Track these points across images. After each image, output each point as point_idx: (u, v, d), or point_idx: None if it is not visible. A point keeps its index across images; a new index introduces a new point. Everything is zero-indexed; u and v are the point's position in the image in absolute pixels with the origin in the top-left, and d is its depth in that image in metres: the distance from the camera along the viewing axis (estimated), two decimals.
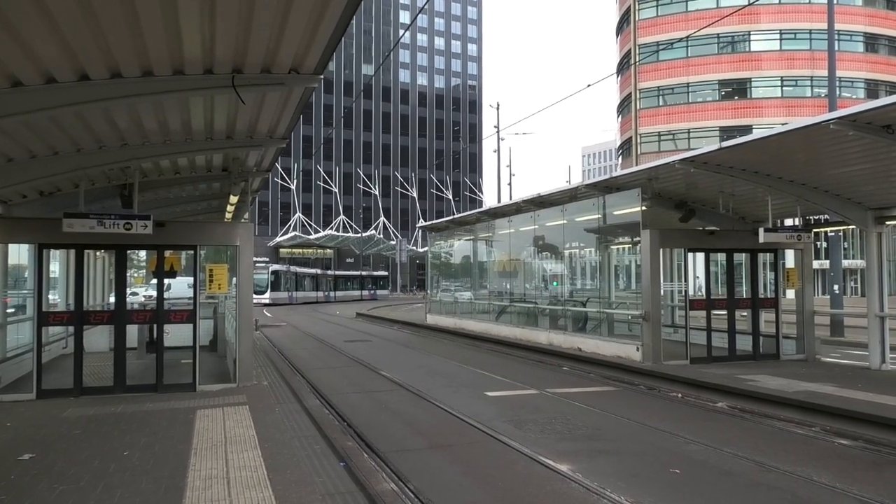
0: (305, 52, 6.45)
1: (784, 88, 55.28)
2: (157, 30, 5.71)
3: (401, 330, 28.02)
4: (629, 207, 15.30)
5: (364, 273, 78.85)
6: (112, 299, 12.25)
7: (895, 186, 12.41)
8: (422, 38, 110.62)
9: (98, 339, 14.04)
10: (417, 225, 71.82)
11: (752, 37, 55.83)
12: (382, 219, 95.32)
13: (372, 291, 75.54)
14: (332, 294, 66.76)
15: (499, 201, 44.19)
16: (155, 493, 5.93)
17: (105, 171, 10.57)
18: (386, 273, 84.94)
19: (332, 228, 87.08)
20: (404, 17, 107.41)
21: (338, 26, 5.78)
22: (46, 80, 6.58)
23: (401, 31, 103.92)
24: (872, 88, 54.43)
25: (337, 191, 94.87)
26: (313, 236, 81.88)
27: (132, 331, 12.42)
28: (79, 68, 6.44)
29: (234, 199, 13.73)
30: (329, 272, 70.51)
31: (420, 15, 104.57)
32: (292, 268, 59.86)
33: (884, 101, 8.95)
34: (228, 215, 16.97)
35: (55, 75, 6.51)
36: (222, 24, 5.68)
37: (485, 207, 27.80)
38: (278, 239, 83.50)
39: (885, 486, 6.63)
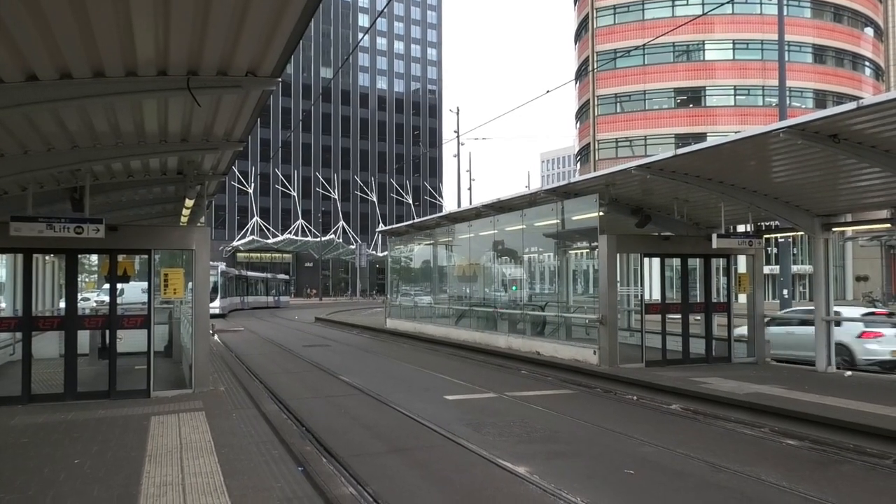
0: (263, 55, 6.39)
1: (737, 97, 56.60)
2: (108, 30, 5.59)
3: (360, 334, 27.88)
4: (587, 213, 15.51)
5: (269, 276, 66.43)
6: (62, 304, 11.95)
7: (841, 194, 12.83)
8: (381, 42, 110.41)
9: (47, 345, 13.63)
10: (377, 229, 70.14)
11: (707, 46, 57.04)
12: (342, 223, 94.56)
13: (276, 298, 63.59)
14: (245, 300, 54.34)
15: (459, 206, 44.37)
16: (107, 502, 5.81)
17: (54, 173, 10.29)
18: (287, 276, 74.41)
19: (290, 232, 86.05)
20: (363, 20, 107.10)
21: (296, 29, 5.73)
22: None
23: (360, 35, 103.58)
24: (820, 98, 56.08)
25: (295, 195, 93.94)
26: (271, 240, 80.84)
27: (83, 337, 12.09)
28: (26, 68, 6.26)
29: (189, 202, 13.49)
30: (243, 272, 56.86)
31: (379, 18, 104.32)
32: (231, 270, 50.07)
33: (831, 110, 9.25)
34: (184, 219, 16.66)
35: (0, 75, 6.33)
36: (177, 24, 5.59)
37: (445, 212, 27.84)
38: (235, 243, 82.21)
39: (829, 484, 6.85)
